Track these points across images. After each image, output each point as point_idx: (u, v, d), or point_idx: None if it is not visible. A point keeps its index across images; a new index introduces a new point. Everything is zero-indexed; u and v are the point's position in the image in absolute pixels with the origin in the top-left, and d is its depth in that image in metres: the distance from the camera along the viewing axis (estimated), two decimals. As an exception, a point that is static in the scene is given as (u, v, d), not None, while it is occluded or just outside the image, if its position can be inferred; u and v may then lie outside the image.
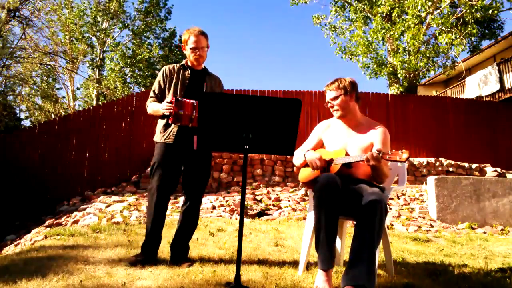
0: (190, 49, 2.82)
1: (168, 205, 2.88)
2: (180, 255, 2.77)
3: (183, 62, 2.95)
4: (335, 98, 2.58)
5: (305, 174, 2.63)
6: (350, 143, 2.56)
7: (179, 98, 2.61)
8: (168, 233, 3.82)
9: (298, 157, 2.66)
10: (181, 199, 4.92)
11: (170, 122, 2.65)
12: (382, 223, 2.17)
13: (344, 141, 2.58)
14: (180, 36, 19.81)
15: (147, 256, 2.69)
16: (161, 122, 2.84)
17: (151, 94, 2.90)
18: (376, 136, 2.50)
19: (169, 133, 2.76)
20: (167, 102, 2.64)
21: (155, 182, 2.74)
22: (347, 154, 2.48)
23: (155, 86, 2.89)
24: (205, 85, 2.88)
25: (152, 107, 2.82)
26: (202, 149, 2.75)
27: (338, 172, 2.43)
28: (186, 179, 2.85)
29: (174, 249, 2.81)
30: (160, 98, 2.86)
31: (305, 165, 2.65)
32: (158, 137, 2.82)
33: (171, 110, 2.58)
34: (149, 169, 2.84)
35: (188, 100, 2.62)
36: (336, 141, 2.62)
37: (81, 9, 17.84)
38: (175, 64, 2.95)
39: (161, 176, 2.73)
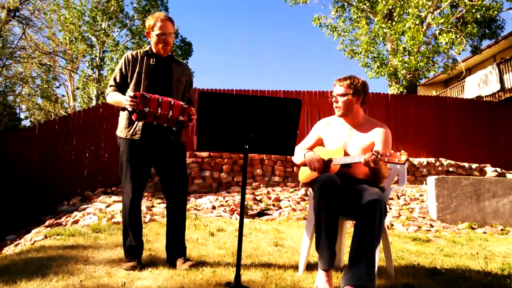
0: (157, 35, 2.62)
1: (141, 207, 2.71)
2: (177, 255, 2.66)
3: (147, 48, 2.74)
4: (342, 95, 2.51)
5: (305, 174, 2.63)
6: (351, 142, 2.54)
7: (145, 94, 2.42)
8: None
9: (298, 156, 2.63)
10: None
11: (134, 119, 2.46)
12: (382, 223, 2.17)
13: (344, 140, 2.56)
14: (181, 36, 19.81)
15: (138, 258, 2.60)
16: (124, 115, 2.66)
17: (111, 82, 2.68)
18: (377, 136, 2.48)
19: (135, 129, 2.60)
20: (131, 96, 2.42)
21: (129, 183, 2.59)
22: (346, 153, 2.47)
23: (116, 73, 2.68)
24: (172, 73, 2.70)
25: (113, 97, 2.63)
26: (171, 143, 2.64)
27: (338, 172, 2.43)
28: (163, 178, 2.71)
29: (170, 250, 2.71)
30: (121, 86, 2.67)
31: (305, 164, 2.65)
32: (123, 132, 2.65)
33: (135, 107, 2.39)
34: (119, 168, 2.67)
35: (153, 96, 2.43)
36: (336, 139, 2.59)
37: (79, 8, 17.83)
38: (138, 51, 2.74)
39: (132, 175, 2.59)
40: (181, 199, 2.73)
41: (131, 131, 2.62)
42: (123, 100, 2.51)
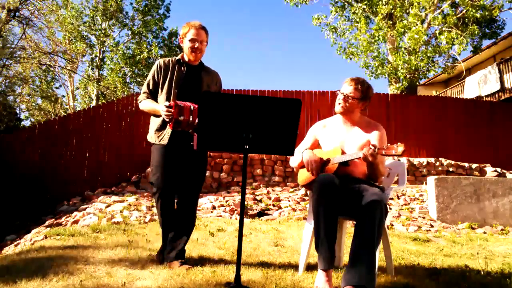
0: (189, 40, 2.68)
1: (174, 206, 2.76)
2: (175, 258, 2.62)
3: (179, 56, 2.80)
4: (349, 96, 2.53)
5: (304, 176, 2.63)
6: (347, 140, 2.56)
7: (179, 103, 2.50)
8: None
9: (295, 158, 2.64)
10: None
11: (170, 128, 2.57)
12: (382, 223, 2.17)
13: (340, 139, 2.58)
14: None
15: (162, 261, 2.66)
16: (155, 121, 2.73)
17: (144, 89, 2.77)
18: (373, 134, 2.52)
19: (164, 135, 2.67)
20: (167, 106, 2.51)
21: (158, 185, 2.66)
22: (343, 153, 2.48)
23: (149, 81, 2.76)
24: (202, 82, 2.75)
25: (147, 105, 2.71)
26: (199, 150, 2.66)
27: (336, 171, 2.43)
28: (182, 180, 2.75)
29: (169, 249, 2.70)
30: (153, 93, 2.74)
31: (302, 166, 2.65)
32: (153, 138, 2.73)
33: (171, 117, 2.48)
34: (149, 170, 2.78)
35: (187, 104, 2.51)
36: (332, 139, 2.61)
37: (77, 8, 17.82)
38: (170, 58, 2.79)
39: (162, 178, 2.65)
40: (195, 201, 2.80)
41: (160, 137, 2.69)
42: (159, 109, 2.58)
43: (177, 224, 2.72)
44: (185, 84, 2.71)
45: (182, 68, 2.74)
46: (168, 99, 2.67)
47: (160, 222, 2.76)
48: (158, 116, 2.67)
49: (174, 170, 2.72)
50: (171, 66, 2.74)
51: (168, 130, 2.65)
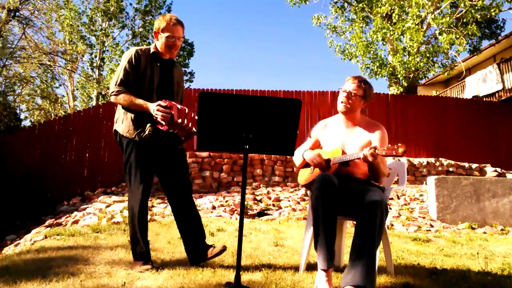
0: (166, 37, 2.55)
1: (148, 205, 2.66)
2: (202, 254, 2.60)
3: (152, 49, 2.62)
4: (352, 93, 2.52)
5: (304, 176, 2.63)
6: (348, 141, 2.56)
7: (177, 105, 2.42)
8: (168, 233, 3.82)
9: (296, 158, 2.66)
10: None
11: (163, 129, 2.43)
12: (383, 223, 2.17)
13: (341, 139, 2.58)
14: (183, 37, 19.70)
15: (150, 261, 2.56)
16: (129, 114, 2.55)
17: (119, 81, 2.51)
18: (374, 134, 2.51)
19: (144, 131, 2.52)
20: (163, 106, 2.37)
21: (138, 185, 2.52)
22: (343, 153, 2.48)
23: (125, 72, 2.52)
24: (173, 78, 2.66)
25: (131, 100, 2.48)
26: (174, 148, 2.64)
27: (337, 172, 2.43)
28: (166, 183, 2.68)
29: (193, 252, 2.65)
30: (131, 86, 2.53)
31: (304, 165, 2.65)
32: (131, 133, 2.54)
33: (168, 118, 2.35)
34: (124, 168, 2.59)
35: (182, 107, 2.43)
36: (333, 140, 2.61)
37: (75, 9, 17.81)
38: (145, 49, 2.62)
39: (142, 177, 2.53)
40: (190, 200, 2.73)
41: (140, 133, 2.54)
42: (151, 108, 2.42)
43: (186, 225, 2.67)
44: (160, 81, 2.61)
45: (158, 63, 2.62)
46: (149, 94, 2.54)
47: (137, 224, 2.54)
48: (138, 111, 2.49)
49: (151, 168, 2.61)
50: (148, 59, 2.58)
51: (149, 127, 2.51)
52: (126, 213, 5.23)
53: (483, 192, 5.83)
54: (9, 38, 15.83)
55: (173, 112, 2.38)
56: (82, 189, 7.85)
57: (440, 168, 8.89)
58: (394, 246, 3.76)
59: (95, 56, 18.48)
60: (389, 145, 2.17)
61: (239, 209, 5.23)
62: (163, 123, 2.39)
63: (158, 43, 2.62)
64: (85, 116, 8.59)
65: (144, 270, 2.45)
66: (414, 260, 3.21)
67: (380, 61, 11.83)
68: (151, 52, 2.62)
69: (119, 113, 2.65)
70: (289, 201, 6.48)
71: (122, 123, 2.60)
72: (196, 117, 2.43)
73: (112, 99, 2.57)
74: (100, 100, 18.44)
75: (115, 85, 2.54)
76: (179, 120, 2.41)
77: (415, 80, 12.27)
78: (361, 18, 13.39)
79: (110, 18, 17.96)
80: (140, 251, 2.53)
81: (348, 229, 3.57)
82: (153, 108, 2.42)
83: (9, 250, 4.90)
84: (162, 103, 2.41)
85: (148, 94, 2.55)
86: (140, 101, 2.49)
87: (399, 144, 2.13)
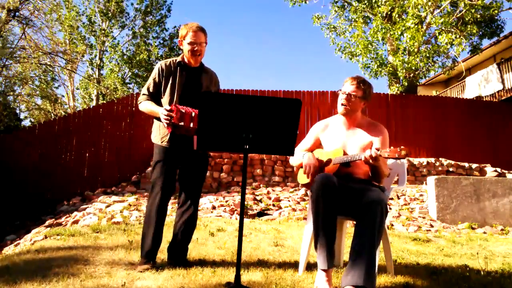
0: (188, 43, 2.68)
1: (167, 207, 2.79)
2: (178, 258, 2.68)
3: (179, 58, 2.80)
4: (351, 95, 2.50)
5: (303, 176, 2.63)
6: (349, 142, 2.55)
7: (180, 108, 2.50)
8: (168, 233, 3.82)
9: (296, 157, 2.63)
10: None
11: (168, 131, 2.59)
12: (382, 223, 2.17)
13: (343, 140, 2.57)
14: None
15: (153, 261, 2.61)
16: (157, 122, 2.77)
17: (144, 91, 2.77)
18: (376, 136, 2.50)
19: (165, 136, 2.70)
20: (167, 110, 2.51)
21: (159, 181, 2.65)
22: (345, 154, 2.47)
23: (150, 84, 2.76)
24: (202, 84, 2.77)
25: (147, 107, 2.71)
26: (199, 151, 2.70)
27: (338, 172, 2.43)
28: (183, 181, 2.78)
29: (172, 252, 2.73)
30: (154, 96, 2.74)
31: (301, 166, 2.64)
32: (157, 138, 2.75)
33: (169, 121, 2.49)
34: (150, 169, 2.77)
35: (188, 110, 2.52)
36: (334, 140, 2.60)
37: (76, 10, 17.81)
38: (172, 60, 2.79)
39: (164, 175, 2.66)
40: (197, 201, 2.80)
41: (162, 138, 2.71)
42: (159, 112, 2.58)
43: (181, 225, 2.73)
44: (186, 88, 2.73)
45: (184, 72, 2.75)
46: (171, 102, 2.68)
47: (152, 221, 2.66)
48: (158, 118, 2.69)
49: (174, 171, 2.74)
50: (172, 68, 2.75)
51: (167, 132, 2.67)
52: (126, 213, 5.23)
53: (483, 192, 5.83)
54: (9, 38, 15.84)
55: (173, 116, 2.48)
56: (82, 189, 7.85)
57: (440, 168, 8.89)
58: (394, 246, 3.76)
59: (95, 56, 18.48)
60: (392, 148, 2.17)
61: (239, 209, 5.23)
62: (166, 123, 2.53)
63: (184, 51, 2.75)
64: (85, 116, 8.58)
65: (144, 270, 2.47)
66: (414, 260, 3.21)
67: (380, 61, 11.83)
68: (178, 61, 2.77)
69: (154, 122, 2.82)
70: (289, 201, 6.48)
71: (153, 130, 2.81)
72: None
73: (140, 108, 2.83)
74: (100, 100, 18.44)
75: (141, 95, 2.81)
76: (181, 123, 2.48)
77: (415, 80, 12.27)
78: (361, 18, 13.38)
79: (110, 18, 17.96)
80: (146, 249, 2.62)
81: (348, 229, 3.57)
82: (160, 112, 2.57)
83: (9, 250, 4.90)
84: (167, 107, 2.54)
85: (170, 103, 2.68)
86: (153, 108, 2.67)
87: (402, 147, 2.13)
